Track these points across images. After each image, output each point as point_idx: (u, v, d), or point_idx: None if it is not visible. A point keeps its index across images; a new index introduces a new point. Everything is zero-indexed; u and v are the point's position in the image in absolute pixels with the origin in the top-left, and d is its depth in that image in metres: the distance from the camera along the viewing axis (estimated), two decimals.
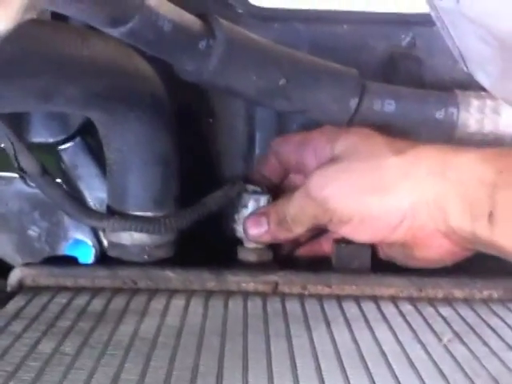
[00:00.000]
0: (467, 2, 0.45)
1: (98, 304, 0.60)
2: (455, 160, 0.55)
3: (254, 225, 0.66)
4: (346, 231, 0.60)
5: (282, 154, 0.67)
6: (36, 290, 0.62)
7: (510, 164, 0.52)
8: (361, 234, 0.60)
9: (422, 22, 0.74)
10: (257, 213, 0.66)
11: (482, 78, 0.55)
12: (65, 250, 0.80)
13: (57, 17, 0.55)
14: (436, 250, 0.59)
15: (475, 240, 0.53)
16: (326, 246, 0.68)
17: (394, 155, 0.57)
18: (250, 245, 0.68)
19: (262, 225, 0.65)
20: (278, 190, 0.70)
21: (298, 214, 0.62)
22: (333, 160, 0.61)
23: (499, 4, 0.43)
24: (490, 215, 0.51)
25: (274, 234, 0.65)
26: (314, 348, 0.52)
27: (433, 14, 0.53)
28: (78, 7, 0.44)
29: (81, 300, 0.60)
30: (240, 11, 0.76)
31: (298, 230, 0.64)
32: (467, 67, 0.56)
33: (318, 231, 0.67)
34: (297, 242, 0.69)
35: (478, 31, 0.47)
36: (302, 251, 0.70)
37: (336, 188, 0.59)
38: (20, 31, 0.47)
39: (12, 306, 0.59)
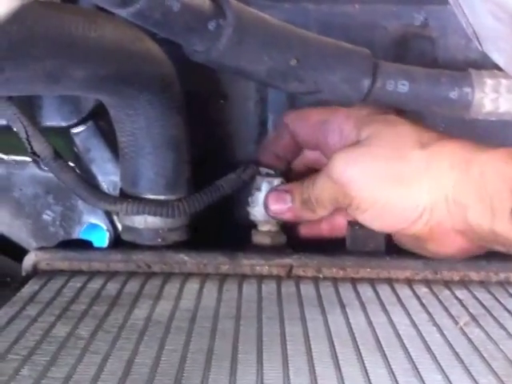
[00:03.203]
0: None
1: (112, 288, 0.60)
2: (478, 157, 0.54)
3: (277, 200, 0.65)
4: (364, 218, 0.60)
5: (299, 132, 0.67)
6: (50, 274, 0.63)
7: None
8: (378, 223, 0.60)
9: (434, 0, 0.73)
10: (280, 189, 0.66)
11: (496, 57, 0.54)
12: (79, 234, 0.80)
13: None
14: (449, 246, 0.59)
15: (494, 237, 0.53)
16: (325, 229, 0.68)
17: (418, 148, 0.57)
18: (264, 228, 0.68)
19: (286, 201, 0.65)
20: (291, 167, 0.70)
21: (320, 196, 0.62)
22: (357, 144, 0.60)
23: None
24: None
25: (296, 213, 0.65)
26: (329, 331, 0.52)
27: None
28: None
29: (95, 284, 0.61)
30: None
31: (322, 212, 0.64)
32: (481, 46, 0.55)
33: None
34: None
35: (491, 8, 0.46)
36: (302, 231, 0.69)
37: (358, 173, 0.58)
38: (27, 13, 0.47)
39: (27, 290, 0.59)
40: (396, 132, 0.59)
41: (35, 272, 0.63)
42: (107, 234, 0.80)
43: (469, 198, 0.54)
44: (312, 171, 0.66)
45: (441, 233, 0.58)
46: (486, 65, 0.61)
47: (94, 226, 0.81)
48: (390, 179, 0.57)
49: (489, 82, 0.61)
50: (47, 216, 0.81)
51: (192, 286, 0.61)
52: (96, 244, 0.74)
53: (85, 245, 0.70)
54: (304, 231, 0.69)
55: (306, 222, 0.68)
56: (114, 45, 0.57)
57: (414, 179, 0.57)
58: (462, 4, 0.51)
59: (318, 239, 0.69)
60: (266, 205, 0.66)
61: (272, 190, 0.66)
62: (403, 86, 0.61)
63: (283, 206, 0.65)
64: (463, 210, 0.54)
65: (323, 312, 0.55)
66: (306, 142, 0.67)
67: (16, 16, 0.33)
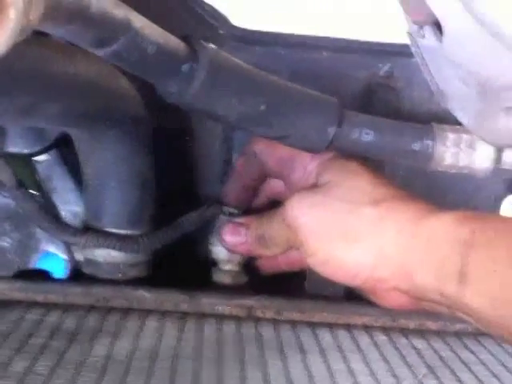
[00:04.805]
0: (450, 43, 0.46)
1: (70, 322, 0.60)
2: (427, 220, 0.55)
3: (232, 232, 0.66)
4: (310, 263, 0.61)
5: (267, 161, 0.67)
6: (7, 305, 0.62)
7: (485, 225, 0.52)
8: (321, 270, 0.60)
9: (400, 52, 0.75)
10: (236, 221, 0.67)
11: (460, 116, 0.56)
12: (36, 262, 0.79)
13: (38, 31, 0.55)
14: (391, 302, 0.59)
15: (440, 299, 0.53)
16: (282, 262, 0.68)
17: (369, 204, 0.58)
18: (225, 267, 0.69)
19: (240, 235, 0.65)
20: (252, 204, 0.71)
21: (274, 235, 0.63)
22: (314, 188, 0.61)
23: (482, 49, 0.43)
24: (461, 274, 0.51)
25: (250, 248, 0.65)
26: (289, 378, 0.52)
27: (413, 50, 0.54)
28: (66, 29, 0.43)
29: (54, 317, 0.60)
30: (222, 32, 0.76)
31: (275, 250, 0.64)
32: (445, 103, 0.57)
33: None
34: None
35: (459, 72, 0.48)
36: (260, 264, 0.70)
37: (308, 221, 0.59)
38: None
39: None
40: (352, 184, 0.60)
41: None
42: (65, 264, 0.79)
43: (415, 262, 0.54)
44: (272, 206, 0.67)
45: (383, 290, 0.58)
46: (448, 118, 0.62)
47: (52, 255, 0.80)
48: (336, 232, 0.58)
49: (450, 136, 0.62)
50: (4, 243, 0.80)
51: (151, 323, 0.61)
52: (54, 273, 0.73)
53: (43, 275, 0.69)
54: (262, 263, 0.70)
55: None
56: (88, 81, 0.58)
57: (359, 237, 0.57)
58: (430, 64, 0.52)
59: (277, 275, 0.69)
60: (222, 236, 0.66)
61: (228, 221, 0.67)
62: (367, 135, 0.62)
63: (238, 239, 0.66)
64: (408, 272, 0.55)
65: (283, 356, 0.56)
66: (271, 171, 0.68)
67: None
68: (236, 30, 0.78)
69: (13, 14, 0.33)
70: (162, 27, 0.53)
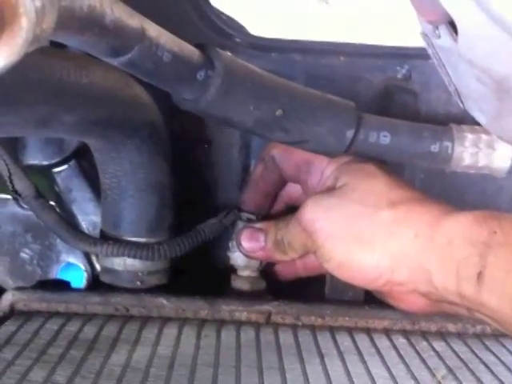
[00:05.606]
0: (465, 42, 0.45)
1: (89, 331, 0.59)
2: (445, 222, 0.54)
3: (250, 238, 0.66)
4: (326, 267, 0.60)
5: (284, 166, 0.67)
6: (27, 315, 0.62)
7: (503, 225, 0.51)
8: (338, 274, 0.60)
9: (417, 55, 0.75)
10: (253, 227, 0.66)
11: (477, 115, 0.55)
12: (57, 273, 0.80)
13: (55, 43, 0.55)
14: (409, 305, 0.59)
15: (460, 301, 0.53)
16: (299, 268, 0.68)
17: (386, 207, 0.57)
18: (243, 273, 0.68)
19: (259, 240, 0.65)
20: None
21: (292, 240, 0.63)
22: (331, 191, 0.61)
23: (497, 48, 0.43)
24: (479, 275, 0.50)
25: (269, 253, 0.65)
26: (307, 382, 0.52)
27: (429, 51, 0.54)
28: (80, 39, 0.44)
29: (72, 326, 0.60)
30: (238, 40, 0.77)
31: (293, 255, 0.64)
32: (463, 104, 0.56)
33: None
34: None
35: (475, 71, 0.47)
36: (278, 270, 0.70)
37: (324, 225, 0.59)
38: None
39: (3, 331, 0.58)
40: (368, 187, 0.59)
41: (12, 312, 0.63)
42: (85, 274, 0.80)
43: (433, 264, 0.54)
44: (290, 212, 0.67)
45: (402, 293, 0.58)
46: (466, 119, 0.62)
47: (72, 266, 0.80)
48: (354, 236, 0.58)
49: (469, 136, 0.62)
50: (25, 254, 0.80)
51: (170, 331, 0.61)
52: (73, 284, 0.73)
53: (62, 286, 0.70)
54: (280, 269, 0.70)
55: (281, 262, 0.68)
56: (104, 91, 0.58)
57: (375, 240, 0.57)
58: (446, 64, 0.52)
59: (297, 280, 0.69)
60: (239, 241, 0.66)
61: (246, 226, 0.67)
62: (385, 138, 0.62)
63: (256, 244, 0.65)
64: (427, 274, 0.54)
65: (302, 361, 0.55)
66: (289, 176, 0.68)
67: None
68: (252, 37, 0.79)
69: (25, 23, 0.33)
70: (178, 36, 0.53)
